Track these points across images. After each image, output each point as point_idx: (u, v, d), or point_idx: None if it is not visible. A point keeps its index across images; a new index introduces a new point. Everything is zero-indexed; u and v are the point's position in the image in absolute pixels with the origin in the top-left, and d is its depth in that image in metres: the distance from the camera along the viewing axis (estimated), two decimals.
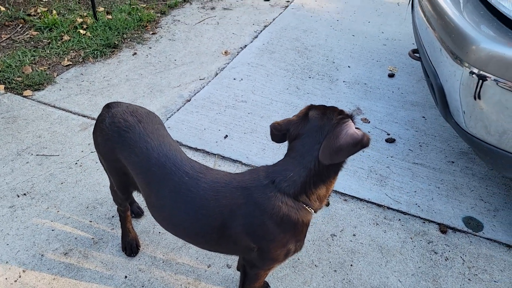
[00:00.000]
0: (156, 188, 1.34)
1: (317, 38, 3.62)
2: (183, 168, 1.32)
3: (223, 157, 2.38)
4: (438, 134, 2.61)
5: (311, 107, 1.26)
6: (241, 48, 3.44)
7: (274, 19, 3.88)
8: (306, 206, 1.24)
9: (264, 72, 3.14)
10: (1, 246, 1.87)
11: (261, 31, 3.68)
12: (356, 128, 1.17)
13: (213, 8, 4.02)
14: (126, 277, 1.77)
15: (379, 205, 2.13)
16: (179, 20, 3.77)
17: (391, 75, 3.15)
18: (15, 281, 1.74)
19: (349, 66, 3.25)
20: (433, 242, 1.97)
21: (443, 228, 2.01)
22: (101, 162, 1.63)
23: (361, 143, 1.14)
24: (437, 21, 1.99)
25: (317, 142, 1.18)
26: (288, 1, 4.23)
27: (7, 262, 1.81)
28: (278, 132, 1.27)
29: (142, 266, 1.81)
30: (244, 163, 2.34)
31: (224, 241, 1.30)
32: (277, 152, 2.43)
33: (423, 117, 2.76)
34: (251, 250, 1.28)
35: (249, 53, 3.36)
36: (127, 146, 1.41)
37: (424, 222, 2.06)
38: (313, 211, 1.26)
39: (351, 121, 1.19)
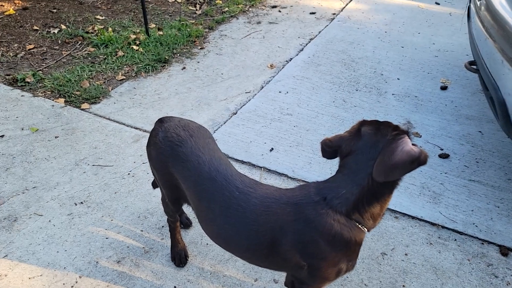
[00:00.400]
0: (207, 202, 1.36)
1: (364, 50, 3.56)
2: (234, 182, 1.33)
3: (269, 170, 2.38)
4: (497, 149, 2.46)
5: (363, 123, 1.22)
6: (286, 61, 3.45)
7: (320, 32, 3.86)
8: (359, 224, 1.20)
9: (309, 85, 3.12)
10: (60, 252, 1.96)
11: (306, 44, 3.68)
12: (412, 144, 1.13)
13: (259, 23, 4.08)
14: (175, 287, 1.80)
15: (432, 224, 2.03)
16: (226, 35, 3.86)
17: (443, 88, 3.03)
18: (72, 286, 1.82)
19: (398, 79, 3.16)
20: (493, 265, 1.84)
21: (504, 251, 1.88)
22: (153, 174, 1.68)
23: (418, 161, 1.09)
24: (498, 31, 1.90)
25: (371, 158, 1.15)
26: (334, 14, 4.21)
27: (65, 267, 1.90)
28: (329, 149, 1.25)
29: (190, 277, 1.84)
30: (290, 177, 2.33)
31: (273, 257, 1.29)
32: (323, 166, 2.39)
33: (480, 131, 2.62)
34: (301, 267, 1.26)
35: (295, 66, 3.36)
36: (179, 160, 1.44)
37: (482, 243, 1.93)
38: (366, 229, 1.23)
39: (407, 137, 1.15)
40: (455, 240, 1.95)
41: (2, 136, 2.67)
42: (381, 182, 1.14)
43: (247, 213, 1.27)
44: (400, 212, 2.09)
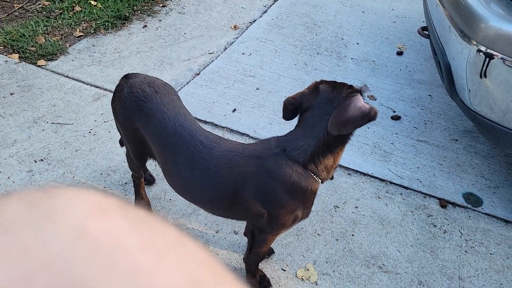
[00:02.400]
0: (172, 156, 1.40)
1: (327, 14, 3.60)
2: (198, 137, 1.38)
3: (232, 130, 2.43)
4: (444, 112, 2.64)
5: (321, 82, 1.31)
6: (250, 22, 3.44)
7: None
8: (314, 175, 1.30)
9: (272, 47, 3.15)
10: None
11: (270, 6, 3.66)
12: (364, 102, 1.22)
13: None
14: None
15: (382, 180, 2.19)
16: None
17: (399, 53, 3.15)
18: None
19: (357, 43, 3.25)
20: (432, 215, 2.03)
21: (443, 203, 2.07)
22: (118, 130, 1.69)
23: (368, 116, 1.19)
24: None
25: (326, 113, 1.23)
26: None
27: None
28: (292, 107, 1.32)
29: None
30: (252, 136, 2.39)
31: (236, 207, 1.37)
32: (283, 126, 2.47)
33: (430, 95, 2.78)
34: (261, 216, 1.35)
35: (258, 28, 3.35)
36: (144, 115, 1.46)
37: (425, 197, 2.12)
38: (320, 180, 1.32)
39: (359, 95, 1.24)
40: (401, 194, 2.12)
41: None
42: (335, 136, 1.23)
43: (211, 165, 1.33)
44: (353, 169, 2.23)
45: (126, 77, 1.59)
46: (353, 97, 1.21)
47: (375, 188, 2.15)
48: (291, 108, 1.33)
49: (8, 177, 2.10)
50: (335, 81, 1.30)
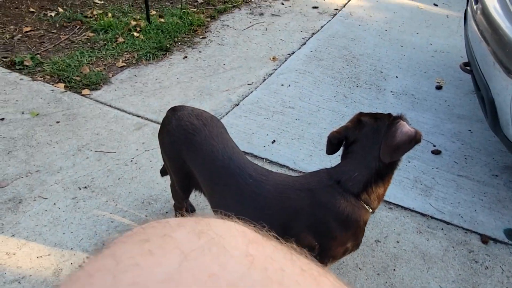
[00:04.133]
0: (221, 189, 1.50)
1: (365, 47, 3.74)
2: (247, 170, 1.46)
3: (271, 162, 2.55)
4: (484, 147, 2.68)
5: (361, 114, 1.42)
6: (289, 54, 3.61)
7: (322, 27, 4.03)
8: (366, 205, 1.38)
9: (311, 79, 3.29)
10: (66, 234, 2.11)
11: (309, 38, 3.84)
12: (409, 126, 1.34)
13: (261, 14, 4.22)
14: None
15: (423, 215, 2.23)
16: (228, 25, 4.00)
17: (438, 87, 3.23)
18: (80, 265, 1.97)
19: (396, 77, 3.35)
20: (474, 251, 2.06)
21: (485, 239, 2.11)
22: (164, 161, 1.81)
23: (415, 139, 1.31)
24: (491, 35, 2.09)
25: (375, 143, 1.34)
26: (336, 9, 4.37)
27: (71, 248, 2.04)
28: (337, 141, 1.43)
29: None
30: (292, 168, 2.50)
31: (285, 240, 1.46)
32: (324, 159, 2.57)
33: (470, 130, 2.83)
34: (312, 248, 1.43)
35: (297, 60, 3.52)
36: (193, 148, 1.55)
37: (466, 232, 2.15)
38: (371, 210, 1.40)
39: (402, 120, 1.35)
40: (442, 229, 2.16)
41: (2, 119, 2.79)
42: (386, 163, 1.33)
43: (261, 199, 1.42)
44: (394, 204, 2.28)
45: (174, 109, 1.69)
46: (397, 124, 1.33)
47: (416, 222, 2.19)
48: (335, 143, 1.43)
49: (54, 204, 2.26)
50: (375, 112, 1.42)
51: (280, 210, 1.40)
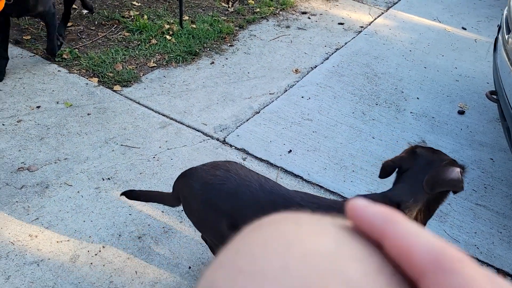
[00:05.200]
0: None
1: (388, 66, 3.69)
2: (295, 199, 1.38)
3: (285, 171, 2.53)
4: (506, 178, 2.59)
5: (417, 147, 1.46)
6: (311, 68, 3.59)
7: (346, 43, 4.00)
8: None
9: (331, 93, 3.26)
10: (86, 222, 2.14)
11: (332, 54, 3.81)
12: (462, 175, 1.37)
13: (288, 27, 4.21)
14: (190, 267, 1.96)
15: None
16: (255, 35, 4.00)
17: (461, 112, 3.15)
18: (96, 254, 1.99)
19: (418, 98, 3.29)
20: None
21: (502, 275, 2.01)
22: (198, 227, 1.67)
23: (457, 185, 1.33)
24: None
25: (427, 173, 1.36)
26: (362, 27, 4.33)
27: (90, 236, 2.07)
28: (390, 169, 1.45)
29: (204, 260, 2.00)
30: (305, 179, 2.47)
31: None
32: (337, 173, 2.53)
33: (491, 159, 2.74)
34: None
35: (319, 74, 3.50)
36: (228, 196, 1.44)
37: (481, 265, 2.07)
38: None
39: (459, 168, 1.37)
40: None
41: (39, 107, 2.86)
42: (435, 195, 1.35)
43: None
44: None
45: (184, 175, 1.57)
46: (455, 166, 1.35)
47: None
48: (389, 170, 1.46)
49: (78, 192, 2.30)
50: (432, 148, 1.45)
51: None
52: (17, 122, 2.71)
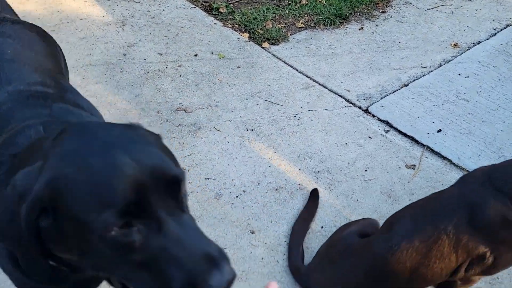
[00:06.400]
0: None
1: None
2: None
3: (432, 151, 2.30)
4: None
5: None
6: (473, 43, 3.14)
7: None
8: None
9: (496, 74, 2.82)
10: (230, 166, 2.25)
11: (501, 30, 3.27)
12: None
13: None
14: (322, 227, 1.94)
15: None
16: (411, 3, 3.63)
17: None
18: (237, 196, 2.09)
19: None
20: None
21: None
22: None
23: None
24: None
25: None
26: None
27: (232, 179, 2.18)
28: None
29: (337, 223, 1.96)
30: (454, 163, 2.22)
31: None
32: (494, 161, 2.21)
33: None
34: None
35: (482, 51, 3.04)
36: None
37: None
38: None
39: None
40: None
41: (196, 55, 3.04)
42: None
43: None
44: None
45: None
46: None
47: None
48: None
49: (225, 137, 2.42)
50: None
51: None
52: (178, 67, 2.93)
